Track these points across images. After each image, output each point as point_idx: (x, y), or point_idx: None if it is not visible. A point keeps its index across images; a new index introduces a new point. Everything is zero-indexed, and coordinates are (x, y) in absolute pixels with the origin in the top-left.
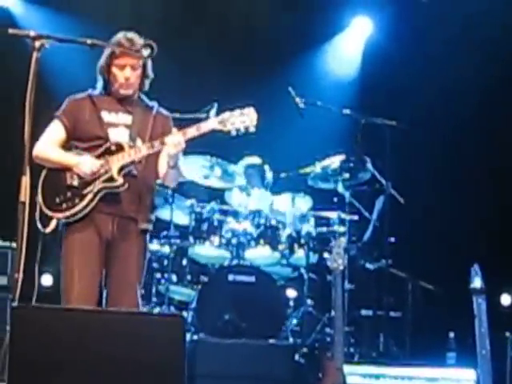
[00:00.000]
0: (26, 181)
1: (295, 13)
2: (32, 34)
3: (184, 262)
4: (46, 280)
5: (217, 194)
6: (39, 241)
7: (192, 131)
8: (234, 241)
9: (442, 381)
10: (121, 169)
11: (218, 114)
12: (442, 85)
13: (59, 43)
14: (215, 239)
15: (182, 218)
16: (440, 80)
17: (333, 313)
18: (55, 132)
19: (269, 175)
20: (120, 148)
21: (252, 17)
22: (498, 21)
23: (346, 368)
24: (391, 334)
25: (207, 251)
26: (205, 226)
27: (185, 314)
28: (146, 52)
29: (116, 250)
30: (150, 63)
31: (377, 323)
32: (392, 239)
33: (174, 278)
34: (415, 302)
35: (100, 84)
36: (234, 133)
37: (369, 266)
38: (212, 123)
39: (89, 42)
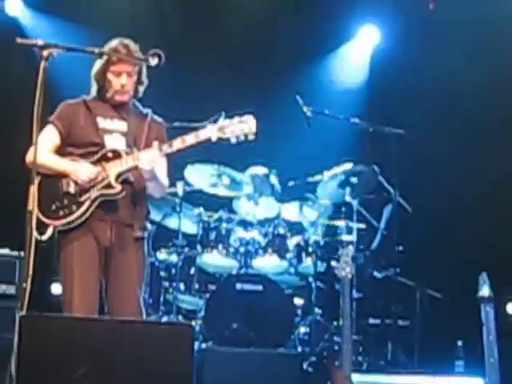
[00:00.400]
0: (34, 190)
1: (303, 21)
2: (40, 43)
3: (192, 270)
4: (57, 288)
5: (224, 203)
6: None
7: (190, 139)
8: (241, 249)
9: None
10: (118, 176)
11: None
12: (450, 93)
13: (67, 52)
14: (223, 248)
15: (189, 226)
16: (448, 88)
17: (341, 321)
18: (50, 137)
19: (275, 183)
20: (117, 155)
21: (259, 26)
22: (508, 28)
23: (355, 377)
24: (399, 343)
25: (215, 260)
26: (213, 235)
27: (193, 322)
28: (153, 61)
29: (115, 256)
30: (144, 70)
31: (385, 332)
32: (400, 248)
33: (182, 286)
34: (423, 310)
35: (94, 89)
36: (233, 140)
37: (377, 274)
38: (211, 131)
39: (96, 51)
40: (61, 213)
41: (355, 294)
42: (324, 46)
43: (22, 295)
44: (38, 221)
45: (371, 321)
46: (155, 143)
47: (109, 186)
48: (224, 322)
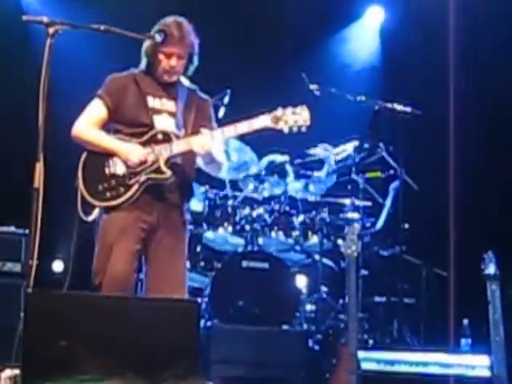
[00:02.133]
0: (39, 167)
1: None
2: (45, 20)
3: (198, 248)
4: (58, 266)
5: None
6: (75, 228)
7: (243, 127)
8: (247, 227)
9: (457, 367)
10: (167, 160)
11: (230, 101)
12: (458, 70)
13: (72, 29)
14: (229, 226)
15: (195, 204)
16: (456, 66)
17: (347, 299)
18: (96, 112)
19: (290, 171)
20: (167, 137)
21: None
22: None
23: (361, 354)
24: (405, 321)
25: (221, 237)
26: (218, 213)
27: (198, 300)
28: (159, 38)
29: (161, 239)
30: (197, 50)
31: (391, 310)
32: (406, 225)
33: (188, 264)
34: (429, 288)
35: (143, 64)
36: (286, 131)
37: (383, 252)
38: (264, 120)
39: (102, 28)
40: (108, 194)
41: (361, 272)
42: (331, 26)
43: (29, 273)
44: (84, 201)
45: (377, 299)
46: (206, 131)
47: (158, 170)
48: (230, 299)
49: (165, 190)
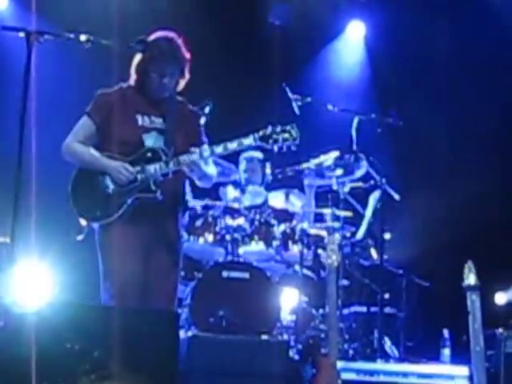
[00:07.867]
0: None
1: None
2: (26, 29)
3: None
4: None
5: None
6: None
7: (233, 146)
8: (228, 237)
9: (436, 377)
10: (156, 178)
11: (212, 112)
12: (438, 82)
13: (53, 38)
14: (209, 235)
15: None
16: (437, 78)
17: (327, 309)
18: (85, 129)
19: (268, 173)
20: (156, 156)
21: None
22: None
23: (341, 364)
24: (385, 331)
25: (201, 247)
26: (199, 222)
27: (179, 310)
28: (140, 47)
29: (155, 252)
30: (188, 64)
31: (371, 319)
32: (387, 235)
33: None
34: (410, 298)
35: (133, 80)
36: (275, 149)
37: (363, 262)
38: (254, 139)
39: (83, 37)
40: (98, 213)
41: (341, 282)
42: (315, 42)
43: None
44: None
45: (357, 308)
46: (195, 149)
47: (148, 188)
48: (210, 309)
49: (156, 207)
